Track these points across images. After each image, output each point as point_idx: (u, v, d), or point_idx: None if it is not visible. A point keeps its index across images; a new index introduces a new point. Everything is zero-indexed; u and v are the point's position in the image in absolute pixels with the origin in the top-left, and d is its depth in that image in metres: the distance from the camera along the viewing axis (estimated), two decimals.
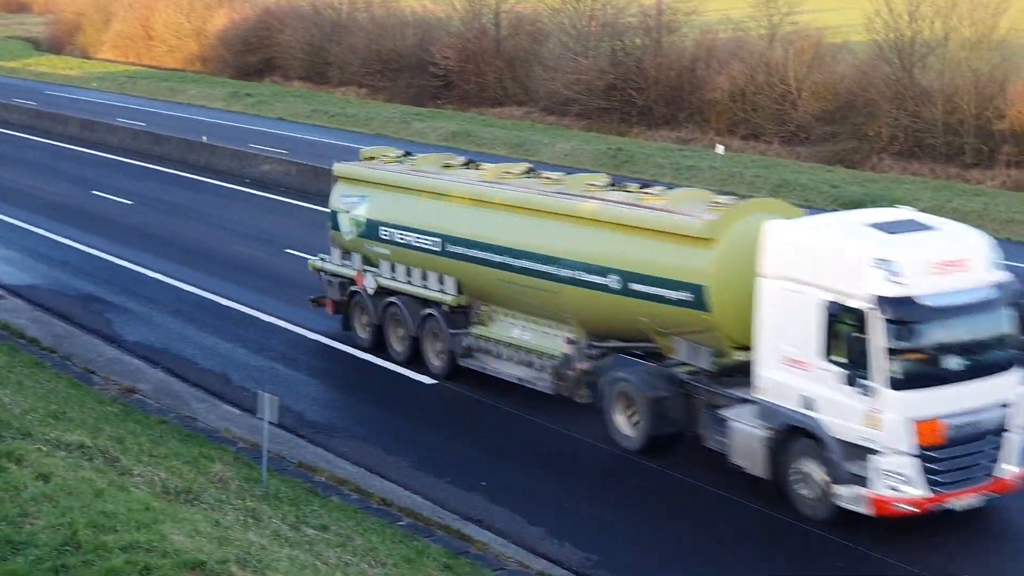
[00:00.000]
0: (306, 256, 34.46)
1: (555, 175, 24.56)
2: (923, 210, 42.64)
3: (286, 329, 27.80)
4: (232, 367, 25.32)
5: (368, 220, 25.77)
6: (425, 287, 24.39)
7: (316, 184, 44.98)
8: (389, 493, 19.08)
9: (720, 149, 54.45)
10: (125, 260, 34.08)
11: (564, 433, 21.68)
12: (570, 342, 21.74)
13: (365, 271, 25.72)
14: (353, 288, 26.15)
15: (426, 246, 24.30)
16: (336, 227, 27.03)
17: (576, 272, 21.23)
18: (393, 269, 25.10)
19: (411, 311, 24.63)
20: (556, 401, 22.16)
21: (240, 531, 13.74)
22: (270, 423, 18.22)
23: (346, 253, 26.67)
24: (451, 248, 23.74)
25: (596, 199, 21.86)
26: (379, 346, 25.42)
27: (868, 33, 59.23)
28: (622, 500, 19.23)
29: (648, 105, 64.96)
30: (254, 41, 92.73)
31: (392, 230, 25.11)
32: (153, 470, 15.48)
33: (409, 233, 24.67)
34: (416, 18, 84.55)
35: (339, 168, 27.94)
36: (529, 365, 22.61)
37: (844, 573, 16.77)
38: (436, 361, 24.25)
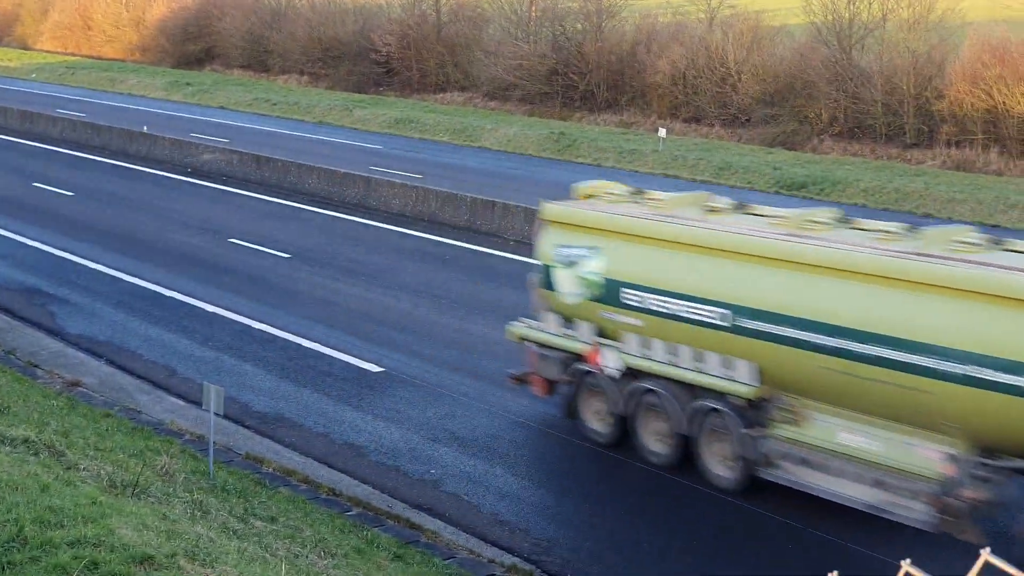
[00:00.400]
0: (249, 245, 34.49)
1: (891, 226, 18.53)
2: (864, 190, 43.82)
3: (230, 319, 27.67)
4: (177, 358, 25.19)
5: (606, 280, 20.00)
6: (703, 372, 18.76)
7: (259, 173, 44.89)
8: (337, 483, 19.06)
9: (662, 133, 54.75)
10: (67, 252, 33.82)
11: (513, 419, 21.72)
12: (949, 458, 16.10)
13: (603, 346, 20.12)
14: (582, 367, 20.48)
15: (704, 318, 18.61)
16: (550, 286, 21.20)
17: (970, 367, 15.73)
18: (647, 346, 19.50)
19: (679, 402, 19.12)
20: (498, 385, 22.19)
21: (188, 524, 13.71)
22: (216, 414, 18.15)
23: (567, 320, 20.90)
24: (746, 323, 18.07)
25: (995, 267, 16.25)
26: (623, 442, 20.22)
27: (806, 16, 59.87)
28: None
29: (590, 89, 65.25)
30: (194, 30, 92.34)
31: (644, 294, 19.44)
32: (99, 464, 15.41)
33: (673, 300, 18.98)
34: (356, 5, 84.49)
35: (551, 210, 21.70)
36: (880, 486, 16.82)
37: None
38: (722, 470, 18.77)
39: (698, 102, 60.29)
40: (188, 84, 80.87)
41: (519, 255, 33.97)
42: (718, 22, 64.94)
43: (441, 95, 73.15)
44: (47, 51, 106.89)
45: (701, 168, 49.87)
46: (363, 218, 39.21)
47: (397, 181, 41.03)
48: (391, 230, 37.54)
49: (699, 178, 48.31)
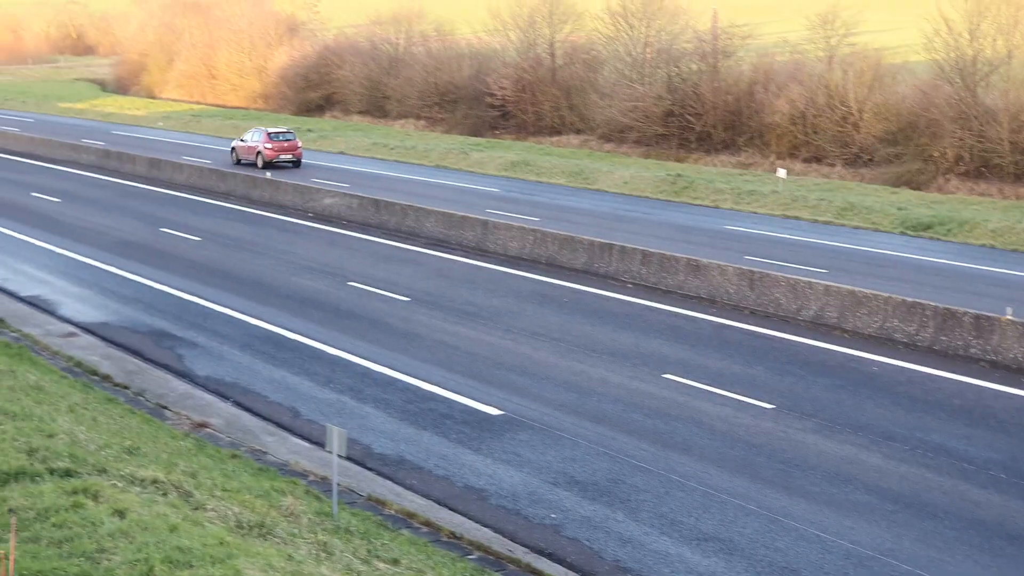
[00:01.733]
0: (369, 288, 34.88)
1: None
2: (992, 231, 43.04)
3: (351, 362, 27.98)
4: (300, 400, 25.54)
5: None
6: None
7: (377, 216, 45.39)
8: (458, 526, 19.13)
9: (782, 173, 54.37)
10: (194, 295, 34.50)
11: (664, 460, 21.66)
12: None
13: None
14: None
15: None
16: None
17: None
18: None
19: None
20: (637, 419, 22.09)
21: (313, 565, 13.87)
22: (339, 456, 18.36)
23: None
24: None
25: None
26: None
27: (928, 53, 59.06)
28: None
29: (706, 130, 65.07)
30: (314, 78, 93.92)
31: None
32: (226, 504, 15.67)
33: None
34: (472, 50, 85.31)
35: None
36: None
37: None
38: None
39: (818, 141, 59.82)
40: (309, 130, 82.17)
41: (637, 298, 33.98)
42: (838, 60, 64.38)
43: (557, 138, 73.46)
44: (173, 100, 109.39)
45: (823, 209, 49.41)
46: (481, 261, 39.46)
47: (514, 224, 41.23)
48: (509, 273, 37.72)
49: (820, 219, 47.90)
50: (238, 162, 65.45)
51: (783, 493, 20.24)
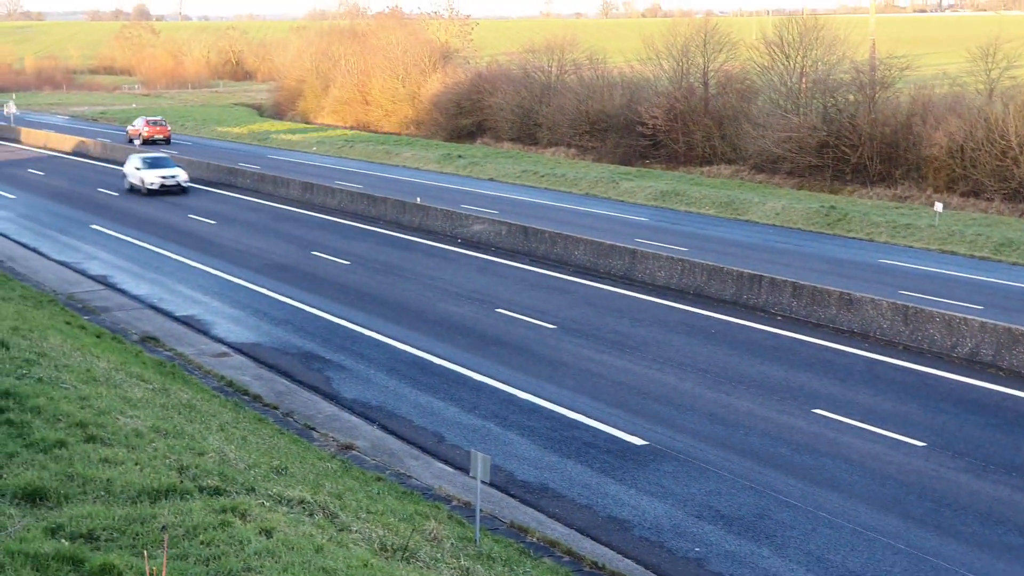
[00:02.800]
0: (516, 315, 34.93)
1: None
2: None
3: (496, 388, 28.03)
4: (445, 425, 25.65)
5: None
6: None
7: (526, 243, 45.47)
8: (601, 556, 19.00)
9: (938, 207, 53.29)
10: (343, 319, 34.93)
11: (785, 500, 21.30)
12: None
13: None
14: None
15: None
16: None
17: None
18: None
19: None
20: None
21: None
22: (482, 482, 18.37)
23: None
24: None
25: None
26: None
27: None
28: None
29: (862, 162, 64.04)
30: (467, 105, 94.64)
31: None
32: (371, 527, 15.74)
33: None
34: (624, 79, 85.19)
35: None
36: None
37: None
38: None
39: (976, 175, 58.44)
40: (460, 157, 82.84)
41: (786, 331, 33.48)
42: (998, 94, 62.93)
43: (707, 168, 72.97)
44: (327, 125, 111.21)
45: (980, 244, 48.24)
46: (628, 290, 39.28)
47: (663, 254, 40.97)
48: (656, 302, 37.48)
49: (977, 254, 46.76)
50: (130, 141, 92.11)
51: (933, 533, 19.73)
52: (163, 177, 62.79)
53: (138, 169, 63.84)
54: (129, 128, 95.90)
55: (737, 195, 61.70)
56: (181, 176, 63.62)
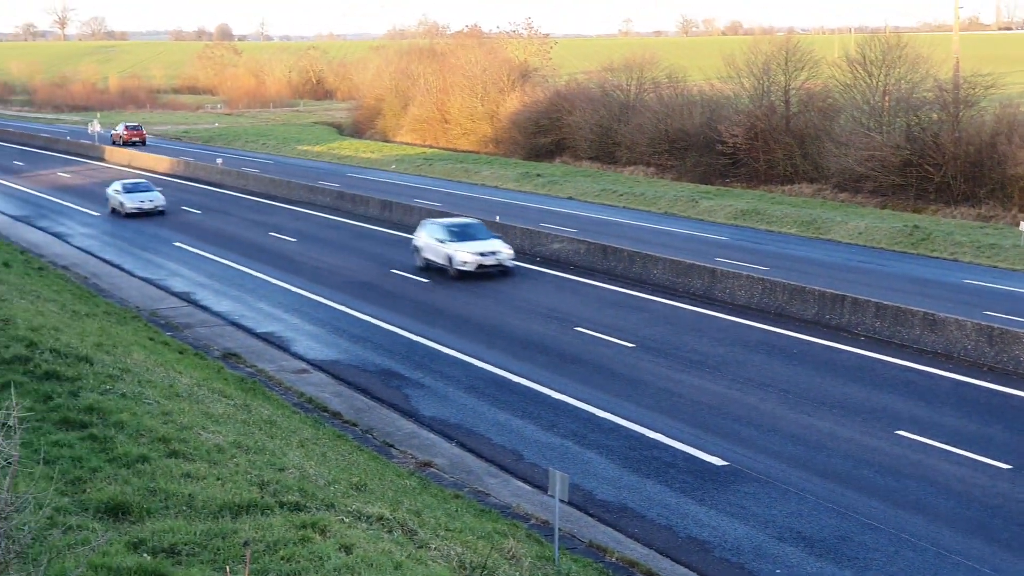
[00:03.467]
0: (594, 333, 34.81)
1: None
2: None
3: (575, 407, 27.94)
4: (523, 443, 25.60)
5: None
6: None
7: (605, 262, 45.35)
8: None
9: None
10: (421, 336, 35.00)
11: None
12: None
13: None
14: None
15: None
16: None
17: None
18: None
19: None
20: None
21: None
22: (561, 501, 18.29)
23: None
24: None
25: None
26: None
27: None
28: None
29: (946, 181, 63.22)
30: (545, 123, 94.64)
31: None
32: (449, 544, 15.72)
33: None
34: (704, 97, 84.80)
35: None
36: None
37: None
38: None
39: None
40: (538, 175, 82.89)
41: (869, 351, 33.08)
42: None
43: (788, 186, 72.42)
44: (406, 143, 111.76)
45: None
46: (708, 309, 39.02)
47: (743, 273, 40.68)
48: (736, 322, 37.19)
49: None
50: (113, 143, 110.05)
51: (1020, 557, 19.37)
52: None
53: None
54: (112, 132, 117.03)
55: (819, 214, 61.17)
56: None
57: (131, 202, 62.59)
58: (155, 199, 63.43)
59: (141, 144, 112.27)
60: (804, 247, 53.92)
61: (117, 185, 65.46)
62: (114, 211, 63.71)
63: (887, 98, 69.46)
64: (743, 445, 25.11)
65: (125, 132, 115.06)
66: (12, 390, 16.43)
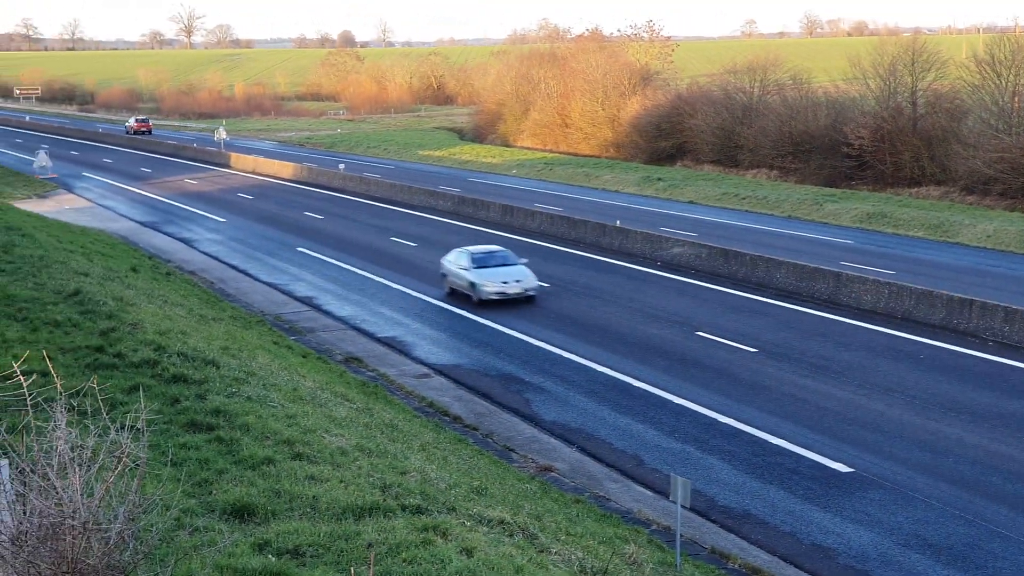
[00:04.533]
0: (716, 338, 34.54)
1: None
2: None
3: (697, 412, 27.75)
4: (644, 448, 25.49)
5: None
6: None
7: (726, 266, 44.99)
8: None
9: None
10: (542, 341, 35.02)
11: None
12: None
13: None
14: None
15: None
16: None
17: None
18: None
19: None
20: None
21: None
22: (683, 506, 18.18)
23: None
24: None
25: None
26: None
27: None
28: None
29: None
30: (666, 127, 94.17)
31: None
32: (570, 549, 15.69)
33: None
34: (829, 99, 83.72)
35: None
36: None
37: None
38: None
39: None
40: (659, 179, 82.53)
41: (999, 356, 32.40)
42: None
43: (915, 189, 71.22)
44: (526, 148, 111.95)
45: None
46: (832, 313, 38.51)
47: (868, 277, 40.07)
48: (861, 326, 36.65)
49: None
50: (127, 132, 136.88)
51: None
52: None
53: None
54: (126, 124, 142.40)
55: (946, 217, 60.07)
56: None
57: (489, 283, 40.83)
58: (523, 277, 41.64)
59: (147, 134, 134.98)
60: (931, 250, 52.98)
61: (460, 257, 42.92)
62: (453, 292, 42.72)
63: (1017, 99, 67.98)
64: (868, 451, 24.73)
65: (136, 124, 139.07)
66: (141, 393, 16.75)
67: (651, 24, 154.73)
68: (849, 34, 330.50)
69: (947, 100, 74.24)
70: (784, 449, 25.05)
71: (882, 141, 73.77)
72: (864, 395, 28.93)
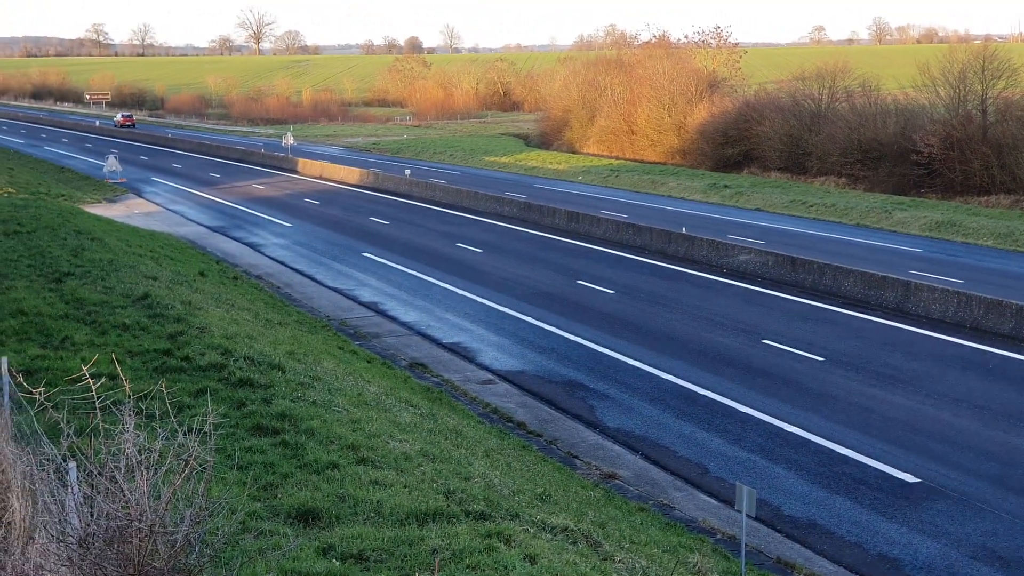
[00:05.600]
0: (782, 347, 34.30)
1: None
2: None
3: (763, 421, 27.57)
4: (709, 457, 25.35)
5: None
6: None
7: (793, 274, 44.69)
8: None
9: None
10: (606, 348, 34.94)
11: None
12: None
13: None
14: None
15: None
16: None
17: None
18: None
19: None
20: None
21: None
22: (748, 516, 18.05)
23: None
24: None
25: None
26: None
27: None
28: None
29: None
30: (733, 134, 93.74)
31: None
32: (634, 557, 15.63)
33: None
34: (898, 106, 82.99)
35: None
36: None
37: None
38: None
39: None
40: (726, 186, 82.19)
41: None
42: None
43: (985, 197, 70.43)
44: (592, 154, 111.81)
45: None
46: (900, 323, 38.15)
47: (937, 286, 39.66)
48: (930, 336, 36.28)
49: None
50: (115, 126, 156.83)
51: None
52: None
53: None
54: (114, 119, 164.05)
55: (1017, 226, 59.34)
56: None
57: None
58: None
59: (131, 127, 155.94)
60: (1001, 260, 52.37)
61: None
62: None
63: None
64: (936, 461, 24.46)
65: (122, 119, 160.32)
66: (208, 396, 16.88)
67: (719, 30, 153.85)
68: (919, 41, 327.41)
69: (1018, 108, 73.35)
70: (851, 459, 24.84)
71: (951, 149, 73.01)
72: (932, 405, 28.62)
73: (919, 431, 26.59)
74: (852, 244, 56.90)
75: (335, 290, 45.23)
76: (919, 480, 23.44)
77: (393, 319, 39.92)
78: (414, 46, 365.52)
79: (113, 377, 17.37)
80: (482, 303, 42.10)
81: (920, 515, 21.70)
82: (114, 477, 10.06)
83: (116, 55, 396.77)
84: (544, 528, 15.55)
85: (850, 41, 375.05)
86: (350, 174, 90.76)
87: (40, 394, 12.17)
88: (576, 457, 25.32)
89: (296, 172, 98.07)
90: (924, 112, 78.86)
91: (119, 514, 9.96)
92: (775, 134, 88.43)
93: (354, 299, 43.39)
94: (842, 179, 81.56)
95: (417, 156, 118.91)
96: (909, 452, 25.11)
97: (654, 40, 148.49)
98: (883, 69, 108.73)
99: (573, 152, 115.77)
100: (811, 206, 71.65)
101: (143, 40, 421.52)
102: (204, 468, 10.36)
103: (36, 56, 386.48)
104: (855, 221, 66.10)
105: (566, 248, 55.78)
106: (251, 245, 57.43)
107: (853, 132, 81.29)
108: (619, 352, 34.40)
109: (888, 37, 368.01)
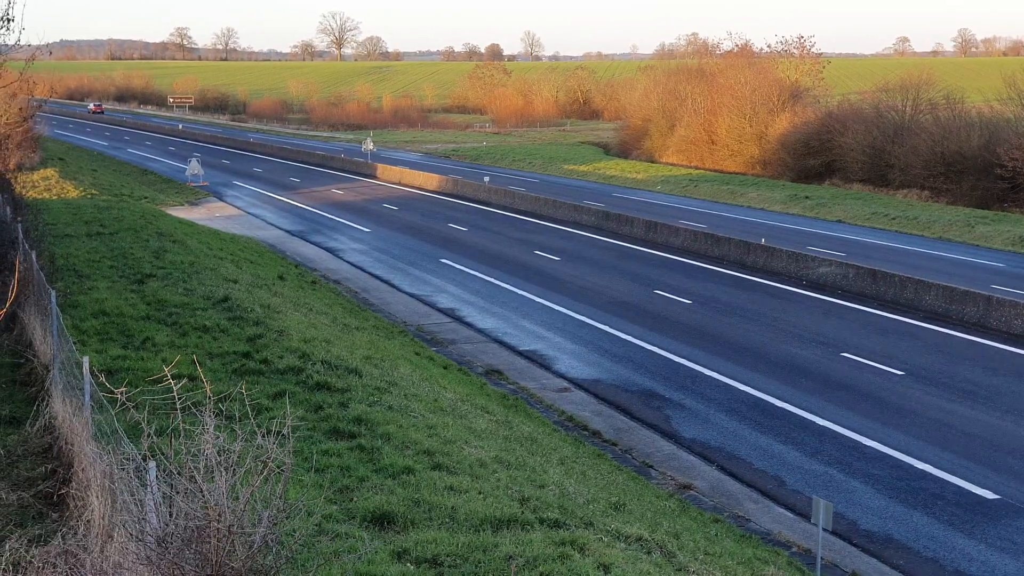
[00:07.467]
0: (862, 360, 33.98)
1: None
2: None
3: (840, 434, 27.33)
4: (786, 469, 25.18)
5: None
6: None
7: (874, 287, 44.27)
8: None
9: None
10: (683, 358, 34.80)
11: None
12: None
13: None
14: None
15: None
16: None
17: None
18: None
19: None
20: None
21: None
22: (824, 529, 17.92)
23: None
24: None
25: None
26: None
27: None
28: None
29: None
30: (815, 145, 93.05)
31: None
32: (708, 568, 15.56)
33: None
34: (982, 119, 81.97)
35: None
36: None
37: None
38: None
39: None
40: (807, 198, 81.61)
41: None
42: None
43: None
44: (672, 164, 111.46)
45: None
46: (982, 338, 37.67)
47: (1020, 301, 39.10)
48: (1013, 352, 35.79)
49: None
50: (89, 112, 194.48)
51: None
52: None
53: None
54: (88, 107, 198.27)
55: None
56: None
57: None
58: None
59: (101, 113, 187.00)
60: None
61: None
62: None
63: None
64: (1016, 478, 24.13)
65: (93, 108, 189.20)
66: (286, 399, 17.04)
67: (802, 40, 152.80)
68: (1004, 54, 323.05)
69: None
70: (929, 474, 24.56)
71: None
72: (1012, 421, 28.24)
73: (999, 447, 26.24)
74: (933, 258, 56.26)
75: (412, 296, 45.42)
76: (998, 497, 23.14)
77: (470, 325, 40.02)
78: (495, 53, 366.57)
79: (193, 378, 17.59)
80: (559, 311, 42.10)
81: (999, 532, 21.42)
82: (193, 477, 10.18)
83: (200, 59, 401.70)
84: (618, 537, 15.52)
85: (935, 53, 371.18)
86: (429, 180, 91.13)
87: (121, 394, 12.34)
88: (651, 467, 25.26)
89: (375, 177, 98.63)
90: (1009, 126, 77.86)
91: (198, 514, 10.07)
92: (857, 145, 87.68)
93: (431, 305, 43.54)
94: (924, 192, 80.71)
95: (496, 163, 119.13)
96: (988, 468, 24.79)
97: (736, 49, 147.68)
98: (968, 81, 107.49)
99: (652, 161, 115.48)
100: (893, 219, 70.96)
101: (226, 45, 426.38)
102: (282, 470, 10.46)
103: (120, 59, 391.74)
104: (937, 234, 65.37)
105: (643, 257, 55.63)
106: (329, 250, 57.81)
107: (936, 144, 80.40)
108: (696, 362, 34.25)
109: (973, 49, 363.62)
